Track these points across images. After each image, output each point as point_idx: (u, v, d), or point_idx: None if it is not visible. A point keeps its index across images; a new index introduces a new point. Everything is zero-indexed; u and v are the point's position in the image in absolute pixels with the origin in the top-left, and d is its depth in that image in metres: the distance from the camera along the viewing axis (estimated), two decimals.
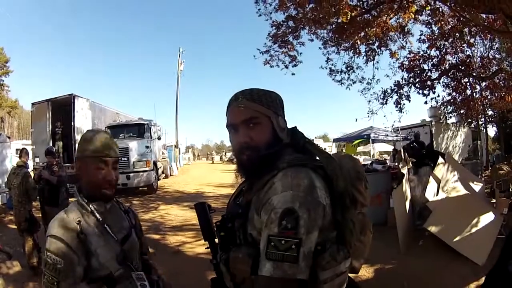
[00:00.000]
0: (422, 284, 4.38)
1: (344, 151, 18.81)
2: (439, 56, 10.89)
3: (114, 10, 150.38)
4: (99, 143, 1.67)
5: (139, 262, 1.73)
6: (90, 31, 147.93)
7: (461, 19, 8.98)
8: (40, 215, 6.15)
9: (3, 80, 44.36)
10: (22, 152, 6.06)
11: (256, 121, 1.30)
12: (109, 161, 1.66)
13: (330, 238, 1.21)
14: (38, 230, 5.66)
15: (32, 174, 6.13)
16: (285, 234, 1.09)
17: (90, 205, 1.67)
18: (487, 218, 5.57)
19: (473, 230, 5.29)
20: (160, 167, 17.11)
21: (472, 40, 10.73)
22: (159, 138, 16.18)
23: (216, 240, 1.47)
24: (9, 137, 13.13)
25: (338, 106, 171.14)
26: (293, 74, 11.42)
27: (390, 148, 19.19)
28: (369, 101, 12.35)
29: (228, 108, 1.38)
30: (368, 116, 12.52)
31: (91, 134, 1.72)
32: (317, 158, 1.31)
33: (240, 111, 1.31)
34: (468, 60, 10.80)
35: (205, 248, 1.52)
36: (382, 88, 12.22)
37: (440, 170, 6.43)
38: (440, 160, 6.53)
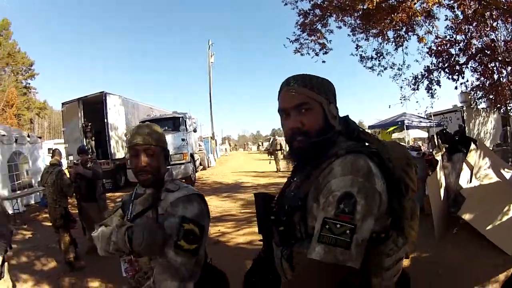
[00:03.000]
0: (454, 272, 4.34)
1: (379, 137, 18.79)
2: (465, 41, 10.64)
3: (142, 6, 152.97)
4: (132, 134, 1.81)
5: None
6: (117, 30, 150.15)
7: (482, 2, 8.76)
8: (77, 211, 6.31)
9: (29, 83, 45.75)
10: (54, 152, 6.21)
11: (308, 107, 1.28)
12: (139, 149, 1.74)
13: (388, 225, 1.21)
14: (74, 226, 5.83)
15: (66, 172, 6.25)
16: (341, 218, 1.07)
17: (136, 187, 1.91)
18: None
19: (504, 218, 5.15)
20: (198, 159, 17.20)
21: (494, 24, 10.43)
22: (194, 131, 16.27)
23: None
24: (40, 138, 13.45)
25: (372, 92, 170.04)
26: (323, 61, 11.45)
27: (424, 134, 18.81)
28: (401, 87, 12.18)
29: (280, 93, 1.37)
30: (401, 102, 12.39)
31: (133, 128, 1.85)
32: (371, 145, 1.30)
33: (291, 96, 1.30)
34: (493, 44, 10.51)
35: (258, 235, 1.52)
36: (412, 73, 12.04)
37: (473, 156, 6.29)
38: (473, 146, 6.39)
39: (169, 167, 1.93)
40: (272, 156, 17.61)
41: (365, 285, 1.21)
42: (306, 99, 1.28)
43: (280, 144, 17.07)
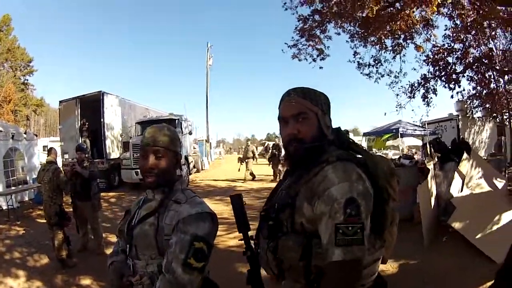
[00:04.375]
0: (441, 281, 4.37)
1: (374, 145, 18.67)
2: (463, 49, 10.73)
3: (140, 6, 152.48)
4: (145, 133, 1.79)
5: (149, 261, 1.70)
6: (117, 29, 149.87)
7: (480, 12, 8.86)
8: (71, 209, 6.32)
9: (27, 80, 45.64)
10: (50, 151, 6.24)
11: (305, 116, 1.44)
12: (148, 150, 1.72)
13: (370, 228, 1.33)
14: (69, 224, 5.84)
15: (62, 169, 6.28)
16: (350, 221, 1.22)
17: (147, 191, 1.84)
18: (509, 216, 5.44)
19: (494, 227, 5.20)
20: (192, 161, 17.26)
21: (493, 33, 10.53)
22: (190, 133, 16.25)
23: (250, 232, 1.60)
24: (36, 135, 13.47)
25: (368, 100, 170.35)
26: (321, 67, 11.60)
27: (419, 142, 18.89)
28: (397, 95, 12.36)
29: (281, 103, 1.53)
30: (397, 110, 12.58)
31: (146, 129, 1.83)
32: (359, 155, 1.47)
33: (291, 106, 1.46)
34: (490, 53, 10.60)
35: (239, 240, 1.62)
36: (409, 81, 12.13)
37: (465, 166, 6.34)
38: (465, 156, 6.45)
39: (181, 174, 1.90)
40: (243, 163, 16.35)
41: None
42: (304, 109, 1.44)
43: (253, 151, 16.33)
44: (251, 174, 16.06)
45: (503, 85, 12.18)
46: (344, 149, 1.47)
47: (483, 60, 10.76)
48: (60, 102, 14.97)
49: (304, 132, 1.43)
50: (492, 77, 11.76)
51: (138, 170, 12.80)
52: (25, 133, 11.81)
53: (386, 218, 1.45)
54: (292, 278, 1.42)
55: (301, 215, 1.35)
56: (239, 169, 16.31)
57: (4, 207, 9.36)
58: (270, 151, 16.95)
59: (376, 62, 11.83)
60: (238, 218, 1.63)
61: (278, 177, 15.15)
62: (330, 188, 1.28)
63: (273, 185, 1.72)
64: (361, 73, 12.25)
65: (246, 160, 16.17)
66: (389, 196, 1.47)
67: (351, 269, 1.22)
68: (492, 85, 11.92)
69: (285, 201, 1.43)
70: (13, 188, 10.32)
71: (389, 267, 4.89)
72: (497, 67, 10.89)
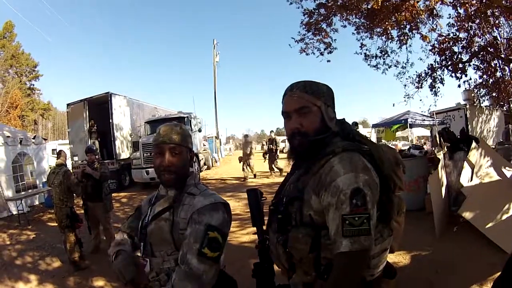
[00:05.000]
0: (453, 271, 4.35)
1: (383, 136, 18.58)
2: (468, 38, 10.65)
3: (145, 6, 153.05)
4: (158, 132, 1.79)
5: (165, 257, 1.69)
6: (121, 29, 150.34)
7: (483, 0, 8.79)
8: (83, 211, 6.36)
9: (33, 84, 45.95)
10: (59, 154, 6.28)
11: (307, 110, 1.47)
12: (164, 147, 1.73)
13: (376, 217, 1.36)
14: (81, 225, 5.88)
15: (72, 172, 6.33)
16: (357, 211, 1.25)
17: (159, 189, 1.89)
18: None
19: (504, 217, 5.16)
20: (202, 158, 17.23)
21: (496, 22, 10.44)
22: (199, 130, 16.25)
23: (264, 227, 1.63)
24: (45, 139, 13.58)
25: (376, 91, 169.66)
26: (328, 61, 11.54)
27: (427, 132, 18.83)
28: (405, 85, 12.27)
29: (284, 98, 1.55)
30: (405, 101, 12.49)
31: (158, 127, 1.83)
32: (364, 146, 1.47)
33: (293, 100, 1.49)
34: (495, 42, 10.51)
35: (253, 234, 1.65)
36: (416, 71, 12.08)
37: (474, 155, 6.30)
38: (474, 145, 6.40)
39: (192, 169, 1.92)
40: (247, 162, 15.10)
41: None
42: (306, 103, 1.46)
43: (251, 148, 15.05)
44: (252, 170, 15.15)
45: (508, 74, 12.09)
46: (349, 140, 1.49)
47: (488, 48, 10.67)
48: (68, 105, 15.09)
49: (307, 125, 1.46)
50: (498, 65, 11.67)
51: (149, 170, 12.89)
52: (34, 137, 11.90)
53: (392, 207, 1.49)
54: (302, 271, 1.44)
55: (309, 208, 1.38)
56: (243, 169, 15.16)
57: (15, 212, 9.44)
58: (266, 146, 16.34)
59: (383, 53, 11.74)
60: (253, 212, 1.67)
61: (274, 173, 14.96)
62: (336, 179, 1.31)
63: None
64: (368, 64, 12.16)
65: (247, 158, 15.14)
66: (395, 185, 1.53)
67: (358, 259, 1.26)
68: (498, 74, 11.83)
69: (293, 194, 1.46)
70: (22, 193, 10.42)
71: (401, 258, 4.88)
72: (502, 56, 10.80)
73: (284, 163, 14.01)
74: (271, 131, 16.43)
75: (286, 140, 1.69)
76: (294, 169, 1.62)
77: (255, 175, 15.21)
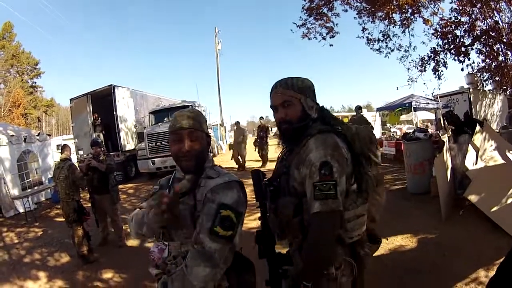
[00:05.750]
0: (459, 254, 4.36)
1: (388, 120, 18.49)
2: (470, 22, 10.57)
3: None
4: (174, 118, 1.79)
5: (183, 240, 1.69)
6: (121, 20, 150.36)
7: None
8: (90, 204, 6.39)
9: (35, 82, 46.00)
10: (64, 148, 6.21)
11: (290, 103, 1.81)
12: (182, 133, 1.72)
13: (352, 189, 1.70)
14: (88, 218, 5.88)
15: (77, 165, 6.33)
16: (324, 179, 1.56)
17: (175, 171, 1.91)
18: None
19: (510, 201, 5.14)
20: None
21: (498, 6, 10.34)
22: None
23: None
24: (49, 135, 13.62)
25: (380, 75, 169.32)
26: (331, 45, 11.56)
27: (432, 116, 18.74)
28: (408, 69, 12.17)
29: (270, 94, 1.89)
30: (409, 84, 12.40)
31: (174, 114, 1.83)
32: (338, 128, 1.78)
33: (278, 96, 1.83)
34: (497, 26, 10.43)
35: (256, 208, 1.80)
36: (419, 55, 11.98)
37: (478, 138, 6.28)
38: (478, 128, 6.37)
39: (210, 154, 1.92)
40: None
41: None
42: (288, 97, 1.80)
43: (244, 135, 14.33)
44: (237, 160, 14.45)
45: (511, 58, 12.01)
46: (327, 124, 1.80)
47: (490, 32, 10.59)
48: (71, 100, 15.13)
49: (291, 115, 1.80)
50: (500, 50, 11.59)
51: (155, 160, 12.91)
52: (38, 134, 11.95)
53: (365, 179, 1.74)
54: (291, 234, 1.76)
55: (293, 180, 1.73)
56: (233, 158, 14.55)
57: (21, 211, 9.50)
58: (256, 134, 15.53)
59: (385, 37, 11.68)
60: (256, 189, 1.88)
61: (266, 162, 14.34)
62: (309, 154, 1.64)
63: None
64: (371, 48, 12.12)
65: (239, 146, 14.47)
66: (369, 160, 1.82)
67: (329, 218, 1.56)
68: (500, 58, 11.74)
69: (281, 171, 1.83)
70: (28, 190, 10.47)
71: (408, 241, 4.92)
72: (504, 40, 10.72)
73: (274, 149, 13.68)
74: (261, 118, 16.10)
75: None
76: (285, 151, 1.95)
77: (240, 167, 14.35)
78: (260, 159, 14.84)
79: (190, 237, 1.64)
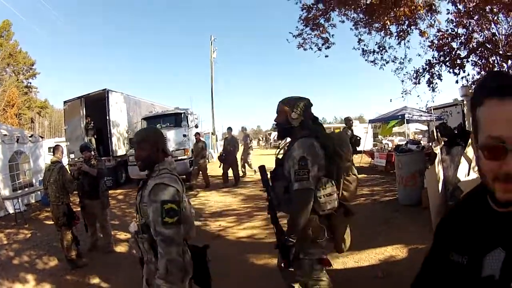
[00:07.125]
0: None
1: (380, 132, 18.55)
2: (466, 34, 10.62)
3: (141, 4, 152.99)
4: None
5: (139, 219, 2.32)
6: (117, 27, 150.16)
7: None
8: (79, 209, 6.33)
9: (30, 83, 45.83)
10: (55, 150, 6.12)
11: (279, 112, 2.74)
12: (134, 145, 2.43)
13: (322, 175, 2.50)
14: (77, 223, 5.81)
15: (67, 169, 6.25)
16: (301, 168, 2.42)
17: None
18: None
19: None
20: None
21: (495, 18, 10.41)
22: (196, 126, 15.88)
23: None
24: (42, 137, 13.48)
25: (373, 87, 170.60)
26: (326, 56, 11.47)
27: (424, 128, 18.82)
28: (402, 81, 12.14)
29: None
30: (402, 97, 12.35)
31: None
32: (317, 134, 2.60)
33: (277, 106, 2.77)
34: (493, 38, 10.49)
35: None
36: (414, 67, 12.02)
37: (471, 150, 6.29)
38: (471, 140, 6.37)
39: (164, 157, 2.40)
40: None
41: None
42: (280, 109, 2.74)
43: (235, 145, 13.69)
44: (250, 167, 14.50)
45: (506, 70, 12.07)
46: (309, 130, 2.61)
47: (487, 45, 10.64)
48: (65, 102, 15.03)
49: (279, 120, 2.75)
50: (496, 62, 11.65)
51: None
52: (31, 136, 11.84)
53: (335, 170, 2.55)
54: (285, 207, 2.62)
55: (284, 169, 2.59)
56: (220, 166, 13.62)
57: (11, 211, 9.39)
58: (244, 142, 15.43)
59: (381, 48, 11.66)
60: (262, 177, 2.79)
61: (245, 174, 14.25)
62: (293, 153, 2.50)
63: None
64: (366, 60, 12.10)
65: (246, 154, 14.64)
66: (340, 156, 2.57)
67: (304, 193, 2.41)
68: (496, 70, 11.80)
69: (278, 163, 2.72)
70: (19, 191, 10.34)
71: (399, 251, 4.92)
72: (501, 52, 10.78)
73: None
74: (243, 128, 16.58)
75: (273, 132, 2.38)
76: (279, 152, 2.84)
77: (255, 171, 13.82)
78: (251, 169, 14.69)
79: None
